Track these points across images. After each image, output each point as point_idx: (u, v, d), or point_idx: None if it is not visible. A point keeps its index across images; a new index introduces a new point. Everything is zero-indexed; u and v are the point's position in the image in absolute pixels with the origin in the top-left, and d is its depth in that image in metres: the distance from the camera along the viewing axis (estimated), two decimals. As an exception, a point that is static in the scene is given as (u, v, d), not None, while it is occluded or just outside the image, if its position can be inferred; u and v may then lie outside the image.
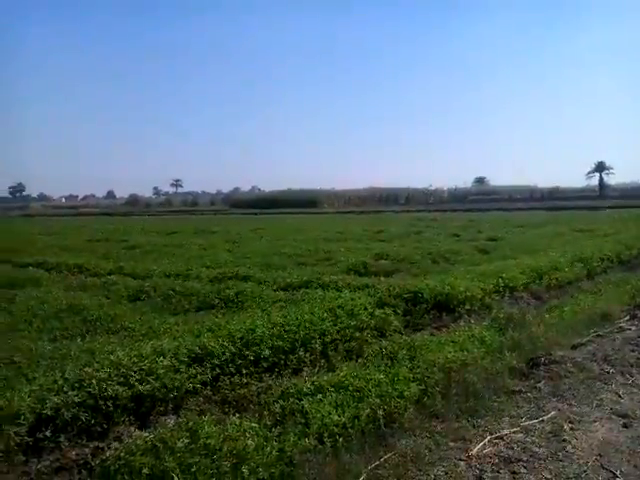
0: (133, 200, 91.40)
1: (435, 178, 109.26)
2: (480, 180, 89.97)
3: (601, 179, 76.53)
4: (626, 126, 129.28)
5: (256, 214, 44.92)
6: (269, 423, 3.52)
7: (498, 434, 3.61)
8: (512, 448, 3.43)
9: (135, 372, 3.91)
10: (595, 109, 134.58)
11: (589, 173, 77.58)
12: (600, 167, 76.39)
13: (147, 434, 3.28)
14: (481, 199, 66.83)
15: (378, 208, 53.56)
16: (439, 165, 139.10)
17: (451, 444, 3.52)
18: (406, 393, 3.95)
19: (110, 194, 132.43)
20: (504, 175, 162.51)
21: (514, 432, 3.65)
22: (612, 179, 77.47)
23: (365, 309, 6.12)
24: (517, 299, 8.03)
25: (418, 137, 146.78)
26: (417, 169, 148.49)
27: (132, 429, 3.62)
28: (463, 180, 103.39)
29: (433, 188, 79.97)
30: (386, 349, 5.03)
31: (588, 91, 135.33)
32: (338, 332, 5.44)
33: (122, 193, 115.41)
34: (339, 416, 3.59)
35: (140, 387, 3.81)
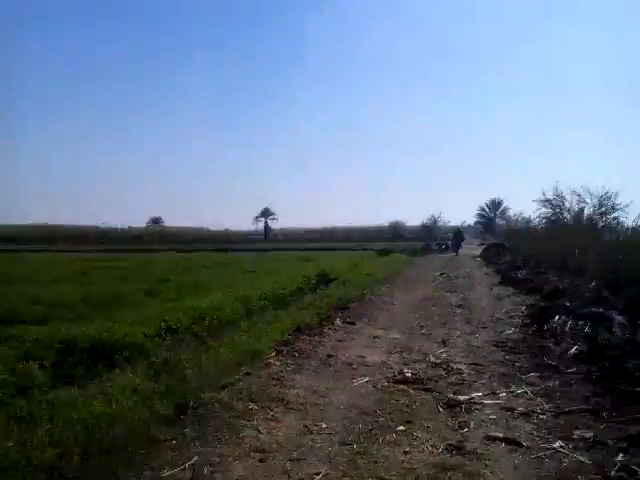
0: None
1: (109, 217, 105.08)
2: (155, 220, 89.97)
3: (266, 224, 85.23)
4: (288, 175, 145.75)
5: None
6: None
7: (135, 491, 3.49)
8: (149, 503, 3.35)
9: None
10: (264, 158, 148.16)
11: (256, 218, 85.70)
12: (266, 213, 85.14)
13: None
14: (155, 240, 66.90)
15: (41, 247, 48.50)
16: (113, 204, 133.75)
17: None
18: (37, 460, 3.57)
19: None
20: (179, 216, 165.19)
21: (153, 485, 3.58)
22: (276, 224, 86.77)
23: (4, 365, 5.44)
24: (179, 341, 8.11)
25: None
26: (88, 206, 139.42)
27: None
28: (137, 220, 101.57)
29: (105, 227, 76.85)
30: (22, 410, 4.50)
31: (249, 141, 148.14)
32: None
33: None
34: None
35: None
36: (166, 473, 3.76)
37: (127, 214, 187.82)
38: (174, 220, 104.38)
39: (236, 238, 72.92)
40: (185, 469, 3.83)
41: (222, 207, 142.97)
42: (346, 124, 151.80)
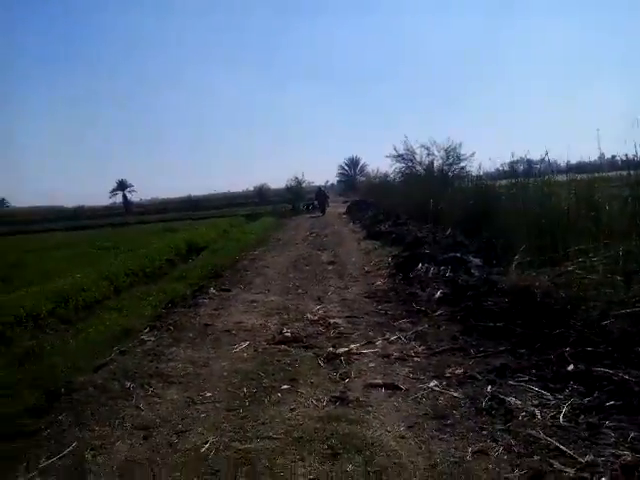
0: None
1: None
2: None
3: (125, 197, 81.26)
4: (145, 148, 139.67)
5: None
6: None
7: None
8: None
9: None
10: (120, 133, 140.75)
11: (113, 191, 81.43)
12: (122, 185, 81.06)
13: None
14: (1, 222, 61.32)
15: None
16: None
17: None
18: None
19: None
20: (26, 196, 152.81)
21: (30, 478, 3.34)
22: (135, 196, 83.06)
23: None
24: (44, 327, 7.60)
25: None
26: None
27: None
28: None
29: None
30: None
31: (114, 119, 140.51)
32: None
33: None
34: None
35: None
36: (44, 463, 3.54)
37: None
38: (22, 201, 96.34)
39: (92, 214, 68.71)
40: (64, 456, 3.63)
41: (74, 184, 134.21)
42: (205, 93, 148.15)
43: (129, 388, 4.85)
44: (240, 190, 77.12)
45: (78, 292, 9.00)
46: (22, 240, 28.23)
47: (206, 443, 3.76)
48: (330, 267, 11.82)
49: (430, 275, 8.76)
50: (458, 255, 9.27)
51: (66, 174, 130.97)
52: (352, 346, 5.75)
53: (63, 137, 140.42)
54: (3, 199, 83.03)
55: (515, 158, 13.67)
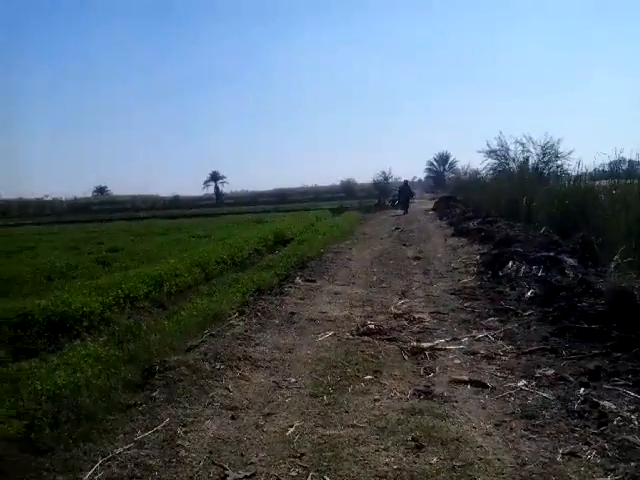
0: None
1: (52, 188, 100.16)
2: (101, 190, 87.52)
3: (217, 188, 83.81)
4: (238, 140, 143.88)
5: None
6: None
7: (111, 455, 3.45)
8: (125, 466, 3.31)
9: None
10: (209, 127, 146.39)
11: (206, 182, 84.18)
12: (215, 177, 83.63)
13: None
14: (103, 209, 65.17)
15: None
16: (56, 174, 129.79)
17: (59, 478, 3.21)
18: (5, 433, 3.49)
19: None
20: (127, 185, 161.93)
21: (128, 449, 3.54)
22: (227, 188, 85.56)
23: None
24: (139, 309, 8.01)
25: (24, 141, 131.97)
26: (29, 177, 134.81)
27: None
28: (82, 190, 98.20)
29: (49, 198, 74.17)
30: (-17, 386, 4.38)
31: (201, 112, 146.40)
32: None
33: None
34: None
35: None
36: (139, 436, 3.74)
37: (72, 185, 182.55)
38: (121, 189, 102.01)
39: (186, 204, 71.55)
40: (158, 431, 3.82)
41: (170, 174, 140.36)
42: (294, 85, 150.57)
43: (219, 369, 5.03)
44: (327, 184, 77.81)
45: (172, 277, 9.40)
46: (124, 226, 29.72)
47: (291, 427, 3.85)
48: (415, 262, 11.71)
49: (521, 274, 8.48)
50: (551, 254, 8.91)
51: (162, 164, 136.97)
52: (437, 341, 5.69)
53: (160, 129, 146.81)
54: (105, 187, 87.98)
55: (615, 157, 12.97)
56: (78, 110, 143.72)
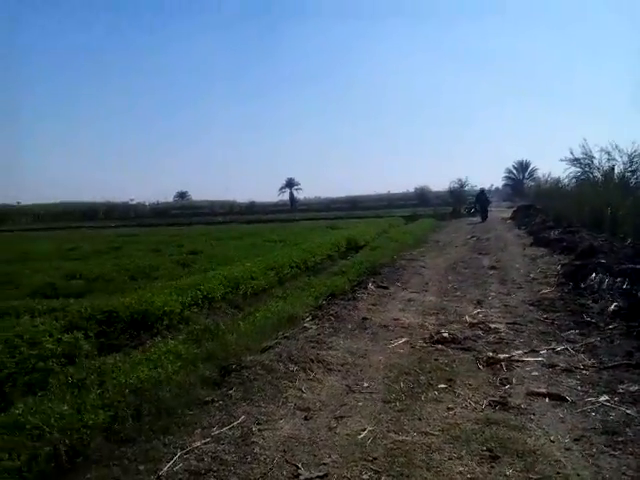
0: None
1: (136, 192, 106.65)
2: (182, 195, 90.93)
3: (291, 194, 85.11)
4: (312, 147, 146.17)
5: None
6: None
7: (189, 448, 3.59)
8: (203, 460, 3.44)
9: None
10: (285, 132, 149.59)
11: (281, 188, 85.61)
12: (290, 183, 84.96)
13: None
14: (183, 213, 67.54)
15: (73, 224, 49.39)
16: (140, 179, 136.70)
17: (141, 467, 3.37)
18: (92, 422, 3.70)
19: None
20: (205, 190, 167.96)
21: (205, 443, 3.66)
22: (300, 194, 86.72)
23: (50, 335, 5.58)
24: (216, 310, 8.25)
25: (113, 147, 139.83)
26: (115, 182, 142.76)
27: None
28: (164, 195, 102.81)
29: (134, 202, 77.65)
30: (73, 377, 4.65)
31: (278, 117, 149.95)
32: (17, 365, 4.85)
33: None
34: (13, 461, 3.19)
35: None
36: (216, 432, 3.86)
37: (154, 190, 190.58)
38: (201, 194, 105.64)
39: (261, 209, 73.02)
40: (234, 427, 3.93)
41: (247, 179, 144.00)
42: (373, 91, 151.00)
43: (292, 371, 5.11)
44: (400, 191, 77.29)
45: (248, 279, 9.62)
46: (203, 230, 30.63)
47: (363, 430, 3.86)
48: (491, 272, 11.43)
49: (604, 286, 8.11)
50: (638, 267, 8.47)
51: (240, 170, 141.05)
52: (514, 352, 5.54)
53: (239, 132, 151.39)
54: (186, 192, 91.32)
55: None
56: (167, 119, 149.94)
